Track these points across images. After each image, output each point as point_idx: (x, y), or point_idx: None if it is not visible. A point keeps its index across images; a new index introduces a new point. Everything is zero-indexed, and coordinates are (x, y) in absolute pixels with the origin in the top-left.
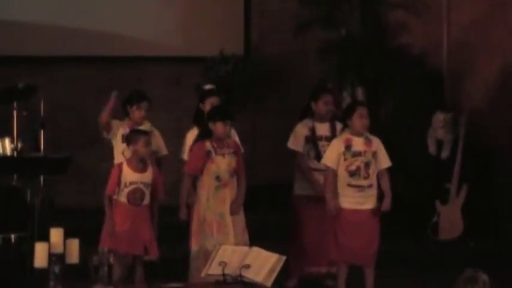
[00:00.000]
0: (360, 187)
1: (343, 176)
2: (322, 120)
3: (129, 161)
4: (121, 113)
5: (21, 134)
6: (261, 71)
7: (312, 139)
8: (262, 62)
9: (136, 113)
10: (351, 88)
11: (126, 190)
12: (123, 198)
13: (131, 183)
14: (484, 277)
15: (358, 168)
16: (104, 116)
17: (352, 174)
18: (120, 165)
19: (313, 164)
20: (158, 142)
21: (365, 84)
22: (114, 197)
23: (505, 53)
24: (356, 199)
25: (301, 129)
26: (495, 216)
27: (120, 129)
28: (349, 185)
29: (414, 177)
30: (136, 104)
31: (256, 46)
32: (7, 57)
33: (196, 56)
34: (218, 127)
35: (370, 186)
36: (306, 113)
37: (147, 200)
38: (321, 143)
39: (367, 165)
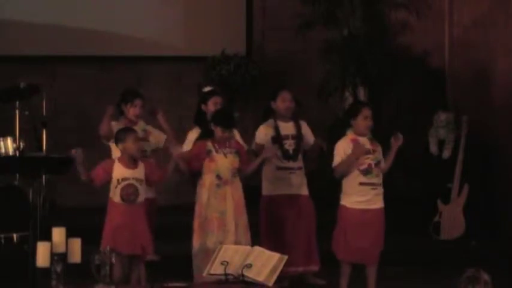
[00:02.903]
0: (373, 185)
1: (354, 176)
2: (284, 119)
3: (120, 159)
4: (116, 113)
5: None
6: (263, 70)
7: (278, 139)
8: (264, 61)
9: (131, 111)
10: (352, 87)
11: (120, 187)
12: (117, 197)
13: (123, 179)
14: (486, 277)
15: (370, 166)
16: (103, 128)
17: (366, 172)
18: (113, 162)
19: (282, 163)
20: (156, 137)
21: (366, 84)
22: (110, 197)
23: (506, 52)
24: (367, 197)
25: (264, 131)
26: (497, 215)
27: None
28: (362, 184)
29: (416, 177)
30: (130, 102)
31: (258, 45)
32: (8, 57)
33: (198, 55)
34: (217, 131)
35: (380, 184)
36: (269, 114)
37: (141, 198)
38: (288, 142)
39: (378, 163)
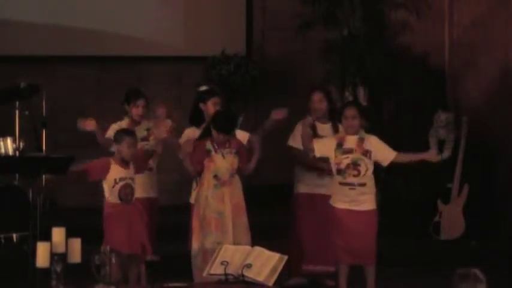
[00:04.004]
0: (349, 185)
1: (335, 175)
2: (322, 119)
3: (114, 159)
4: (120, 113)
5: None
6: (263, 70)
7: (313, 137)
8: (264, 61)
9: (134, 110)
10: (352, 87)
11: (118, 186)
12: (114, 197)
13: (121, 179)
14: (478, 273)
15: (348, 166)
16: (99, 140)
17: (340, 172)
18: (109, 161)
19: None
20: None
21: (366, 84)
22: (106, 198)
23: (506, 52)
24: (350, 198)
25: (300, 128)
26: (496, 215)
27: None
28: (340, 183)
29: (416, 177)
30: (132, 103)
31: (258, 45)
32: (8, 57)
33: (198, 55)
34: (214, 133)
35: (361, 185)
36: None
37: (135, 195)
38: None
39: (355, 163)
